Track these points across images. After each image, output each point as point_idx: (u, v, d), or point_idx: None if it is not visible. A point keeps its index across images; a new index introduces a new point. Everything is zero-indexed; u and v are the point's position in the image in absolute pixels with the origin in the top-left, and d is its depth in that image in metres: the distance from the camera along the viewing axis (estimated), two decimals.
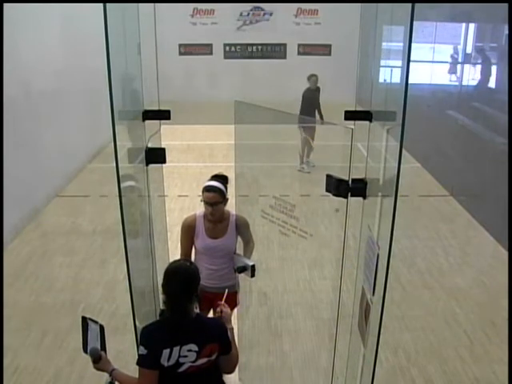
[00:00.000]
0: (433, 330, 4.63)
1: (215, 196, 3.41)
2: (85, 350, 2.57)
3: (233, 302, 3.60)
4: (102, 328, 2.63)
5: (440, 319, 4.81)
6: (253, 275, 3.47)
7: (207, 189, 3.43)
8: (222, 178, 3.53)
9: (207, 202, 3.42)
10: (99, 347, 2.57)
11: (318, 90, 9.29)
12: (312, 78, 9.20)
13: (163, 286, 2.46)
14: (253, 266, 3.44)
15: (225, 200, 3.48)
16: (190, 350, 2.41)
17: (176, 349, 2.39)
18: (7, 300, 4.66)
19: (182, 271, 2.48)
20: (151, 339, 2.41)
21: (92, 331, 2.62)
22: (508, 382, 3.33)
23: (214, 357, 2.48)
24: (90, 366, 2.56)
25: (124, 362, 3.79)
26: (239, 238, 3.64)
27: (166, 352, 2.37)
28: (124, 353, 3.86)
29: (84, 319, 2.66)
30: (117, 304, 4.84)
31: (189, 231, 3.53)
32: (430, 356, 4.31)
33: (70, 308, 4.85)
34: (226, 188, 3.50)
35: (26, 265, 5.71)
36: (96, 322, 2.65)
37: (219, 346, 2.49)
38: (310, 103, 9.06)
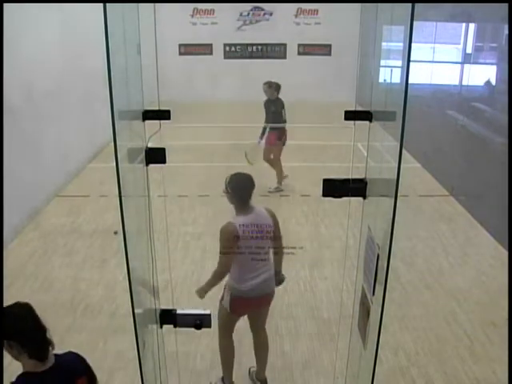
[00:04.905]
0: (433, 330, 4.64)
1: None
2: None
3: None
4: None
5: (440, 319, 4.81)
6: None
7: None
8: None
9: None
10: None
11: (278, 100, 7.27)
12: (263, 86, 7.08)
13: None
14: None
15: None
16: None
17: None
18: (7, 300, 4.64)
19: None
20: None
21: None
22: (508, 382, 3.33)
23: None
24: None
25: (124, 362, 3.80)
26: None
27: None
28: (124, 353, 3.86)
29: None
30: (117, 304, 4.84)
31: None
32: (430, 356, 4.32)
33: (70, 308, 4.85)
34: None
35: (25, 265, 5.71)
36: None
37: (87, 379, 2.38)
38: (272, 116, 7.14)
